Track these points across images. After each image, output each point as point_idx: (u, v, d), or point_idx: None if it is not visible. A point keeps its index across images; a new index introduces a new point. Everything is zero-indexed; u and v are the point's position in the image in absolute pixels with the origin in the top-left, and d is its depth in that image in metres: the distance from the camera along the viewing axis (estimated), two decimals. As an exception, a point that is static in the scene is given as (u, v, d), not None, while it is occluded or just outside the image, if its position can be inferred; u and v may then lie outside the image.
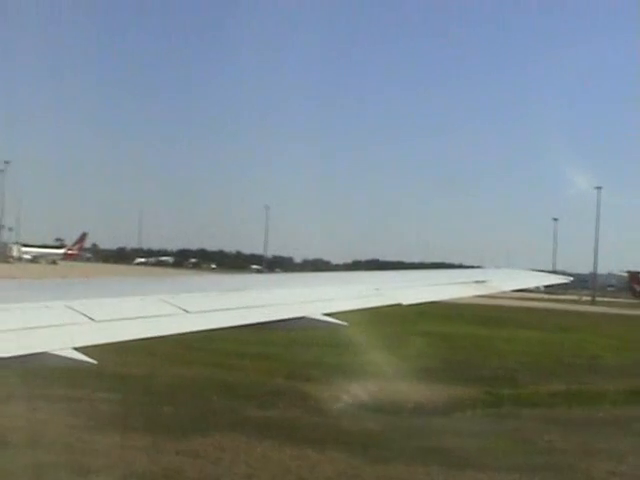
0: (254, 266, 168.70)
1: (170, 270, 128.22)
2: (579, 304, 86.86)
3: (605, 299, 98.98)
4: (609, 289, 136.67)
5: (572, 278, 18.56)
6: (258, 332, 9.04)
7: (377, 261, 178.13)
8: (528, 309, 61.58)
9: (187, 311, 5.11)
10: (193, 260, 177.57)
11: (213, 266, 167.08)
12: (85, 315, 4.63)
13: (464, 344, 34.05)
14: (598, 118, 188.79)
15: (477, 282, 8.71)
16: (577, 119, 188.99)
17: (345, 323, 6.11)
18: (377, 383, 21.30)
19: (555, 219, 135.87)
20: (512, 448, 15.55)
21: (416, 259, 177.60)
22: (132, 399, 17.70)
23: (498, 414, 19.11)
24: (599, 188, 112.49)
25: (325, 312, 5.98)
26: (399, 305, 6.92)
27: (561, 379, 24.67)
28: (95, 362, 4.31)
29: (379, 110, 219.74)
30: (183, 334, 5.03)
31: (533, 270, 12.16)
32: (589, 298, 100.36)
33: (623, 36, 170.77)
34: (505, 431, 17.12)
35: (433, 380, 22.78)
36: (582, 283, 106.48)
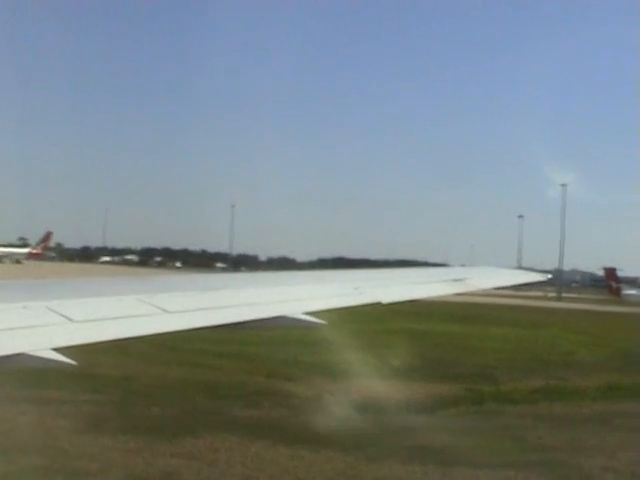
0: (219, 264, 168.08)
1: (136, 269, 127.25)
2: (545, 300, 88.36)
3: (570, 295, 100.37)
4: (573, 285, 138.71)
5: (550, 276, 18.75)
6: (237, 331, 9.03)
7: (343, 259, 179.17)
8: (497, 306, 60.64)
9: (166, 311, 5.10)
10: (158, 259, 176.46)
11: (178, 264, 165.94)
12: (63, 315, 4.61)
13: (440, 341, 34.29)
14: (567, 115, 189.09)
15: (456, 280, 8.75)
16: (546, 115, 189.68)
17: (324, 322, 6.13)
18: (359, 382, 21.36)
19: (520, 216, 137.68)
20: (502, 445, 15.54)
21: (381, 256, 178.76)
22: (115, 400, 17.64)
23: (482, 411, 19.20)
24: (564, 185, 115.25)
25: (304, 311, 5.99)
26: (378, 304, 6.95)
27: (538, 375, 24.89)
28: (75, 363, 4.30)
29: (342, 107, 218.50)
30: (162, 334, 5.02)
31: (498, 267, 12.20)
32: (555, 294, 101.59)
33: (590, 32, 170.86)
34: (493, 428, 17.19)
35: (413, 378, 22.92)
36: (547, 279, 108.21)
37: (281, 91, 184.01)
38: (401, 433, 16.24)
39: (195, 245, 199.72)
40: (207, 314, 5.38)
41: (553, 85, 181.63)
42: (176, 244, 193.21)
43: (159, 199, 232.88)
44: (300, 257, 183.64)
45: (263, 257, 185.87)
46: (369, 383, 21.09)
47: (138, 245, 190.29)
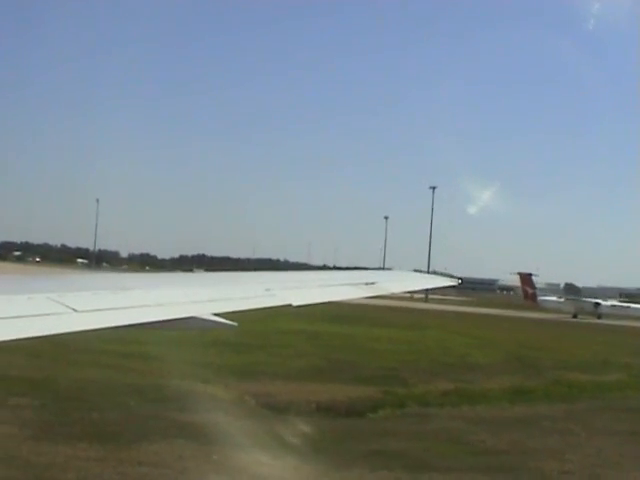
0: (80, 260, 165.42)
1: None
2: (413, 301, 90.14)
3: (436, 297, 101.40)
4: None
5: (460, 281, 19.23)
6: (146, 332, 9.01)
7: (204, 256, 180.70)
8: (368, 306, 56.45)
9: (75, 310, 5.09)
10: (17, 253, 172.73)
11: (38, 259, 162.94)
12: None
13: (334, 343, 35.19)
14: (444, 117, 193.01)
15: (367, 284, 8.88)
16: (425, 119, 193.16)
17: (235, 323, 6.21)
18: (277, 383, 21.48)
19: (386, 217, 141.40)
20: (456, 449, 15.85)
21: (242, 255, 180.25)
22: (49, 405, 17.24)
23: (410, 414, 19.62)
24: (433, 188, 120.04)
25: (215, 312, 6.05)
26: (289, 306, 7.05)
27: (443, 378, 25.60)
28: None
29: (205, 105, 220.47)
30: (72, 333, 5.01)
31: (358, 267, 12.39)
32: (422, 296, 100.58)
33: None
34: (434, 432, 17.55)
35: (327, 379, 23.18)
36: None
37: (142, 90, 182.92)
38: (352, 438, 16.39)
39: (56, 240, 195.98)
40: (117, 314, 5.36)
41: (426, 86, 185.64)
42: (36, 238, 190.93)
43: (19, 192, 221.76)
44: (162, 254, 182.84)
45: (124, 253, 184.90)
46: (287, 385, 21.22)
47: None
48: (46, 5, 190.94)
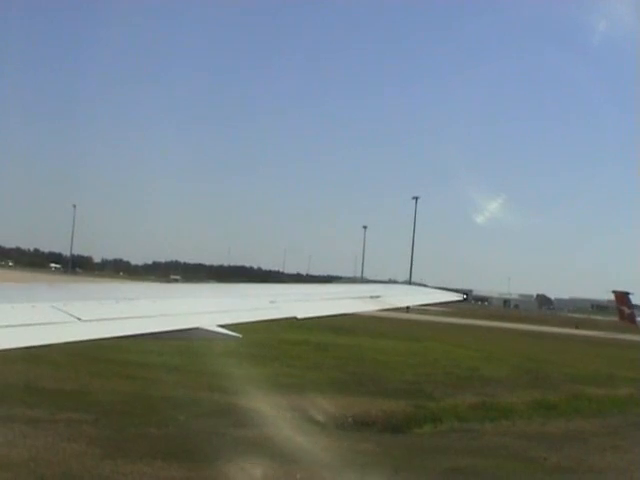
0: (53, 265, 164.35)
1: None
2: (396, 312, 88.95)
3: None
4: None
5: (465, 296, 19.15)
6: (150, 342, 9.07)
7: (177, 262, 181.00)
8: (360, 317, 56.46)
9: (80, 319, 5.15)
10: None
11: (10, 263, 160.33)
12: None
13: (342, 354, 34.78)
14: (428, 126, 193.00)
15: (372, 297, 8.91)
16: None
17: (239, 335, 6.25)
18: (305, 396, 21.41)
19: (365, 227, 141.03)
20: (524, 466, 15.77)
21: (216, 262, 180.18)
22: (102, 419, 16.88)
23: (454, 429, 19.42)
24: (416, 198, 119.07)
25: (220, 323, 6.11)
26: (294, 318, 7.09)
27: (465, 391, 25.46)
28: None
29: (180, 107, 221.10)
30: (77, 342, 5.06)
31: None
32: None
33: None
34: (493, 448, 17.40)
35: (351, 392, 23.21)
36: None
37: (124, 92, 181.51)
38: (417, 455, 16.32)
39: (29, 244, 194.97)
40: (122, 323, 5.42)
41: (411, 95, 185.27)
42: (7, 242, 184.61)
43: None
44: (135, 260, 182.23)
45: (97, 259, 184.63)
46: (317, 398, 21.16)
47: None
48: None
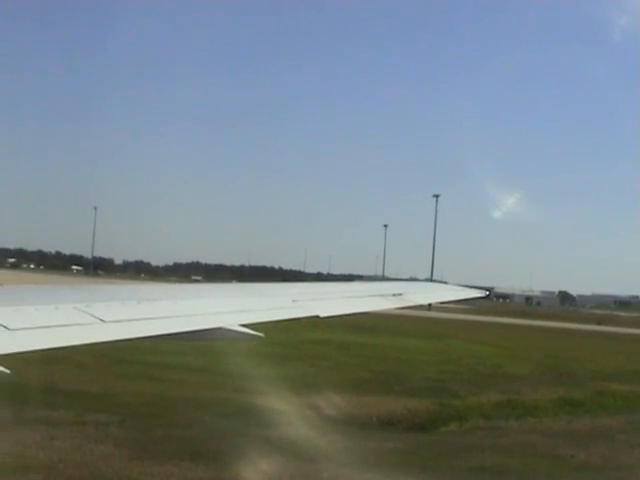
0: (75, 267, 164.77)
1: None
2: (417, 309, 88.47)
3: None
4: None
5: (488, 292, 19.06)
6: (173, 342, 9.04)
7: (198, 263, 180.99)
8: (381, 315, 55.89)
9: (103, 320, 5.15)
10: (11, 260, 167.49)
11: (32, 266, 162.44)
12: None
13: (366, 353, 34.88)
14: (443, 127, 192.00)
15: (394, 295, 8.84)
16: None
17: (261, 334, 6.22)
18: (329, 395, 21.41)
19: (385, 225, 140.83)
20: (554, 463, 15.70)
21: (237, 262, 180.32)
22: (129, 421, 16.92)
23: (480, 427, 19.46)
24: (437, 196, 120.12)
25: (243, 323, 6.08)
26: (316, 317, 7.06)
27: (490, 389, 25.47)
28: (8, 372, 4.31)
29: (200, 110, 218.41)
30: (100, 343, 5.06)
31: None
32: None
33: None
34: (521, 445, 17.41)
35: (376, 391, 23.25)
36: None
37: (137, 95, 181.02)
38: (444, 453, 16.35)
39: (49, 247, 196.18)
40: (144, 324, 5.41)
41: (418, 94, 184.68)
42: (30, 245, 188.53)
43: (13, 199, 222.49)
44: (156, 261, 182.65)
45: (119, 260, 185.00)
46: (342, 397, 21.16)
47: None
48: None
